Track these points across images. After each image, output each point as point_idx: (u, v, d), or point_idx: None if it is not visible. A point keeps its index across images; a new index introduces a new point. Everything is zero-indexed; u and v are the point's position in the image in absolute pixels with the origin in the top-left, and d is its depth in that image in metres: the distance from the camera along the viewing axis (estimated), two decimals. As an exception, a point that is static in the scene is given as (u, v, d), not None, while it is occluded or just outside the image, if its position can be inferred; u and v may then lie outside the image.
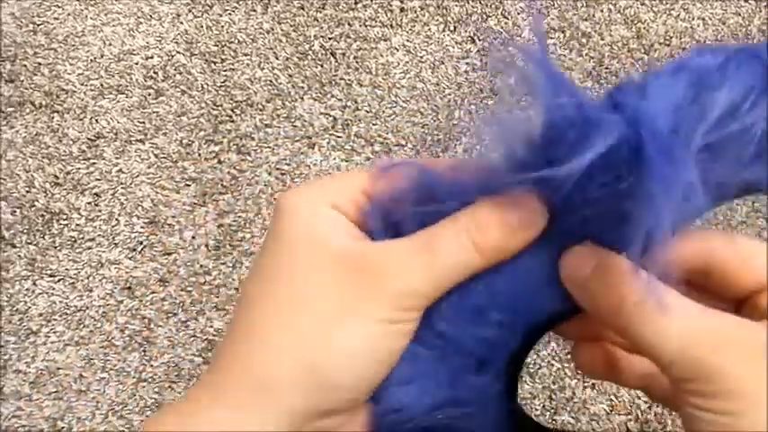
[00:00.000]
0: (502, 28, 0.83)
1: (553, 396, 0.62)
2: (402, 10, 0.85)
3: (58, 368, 0.66)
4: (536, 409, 0.62)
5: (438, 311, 0.24)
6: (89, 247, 0.72)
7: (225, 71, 0.81)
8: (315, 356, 0.22)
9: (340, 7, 0.85)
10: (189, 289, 0.69)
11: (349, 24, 0.84)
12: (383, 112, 0.77)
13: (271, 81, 0.80)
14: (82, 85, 0.81)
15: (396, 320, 0.23)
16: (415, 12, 0.85)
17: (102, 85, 0.81)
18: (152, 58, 0.83)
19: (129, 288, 0.69)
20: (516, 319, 0.24)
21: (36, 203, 0.74)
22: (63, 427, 0.63)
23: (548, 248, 0.24)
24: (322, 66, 0.81)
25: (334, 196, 0.24)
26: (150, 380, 0.65)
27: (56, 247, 0.72)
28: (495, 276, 0.24)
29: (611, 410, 0.61)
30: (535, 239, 0.23)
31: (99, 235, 0.72)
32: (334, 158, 0.74)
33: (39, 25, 0.86)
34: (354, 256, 0.23)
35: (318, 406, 0.22)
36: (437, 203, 0.23)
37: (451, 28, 0.83)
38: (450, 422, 0.25)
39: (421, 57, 0.82)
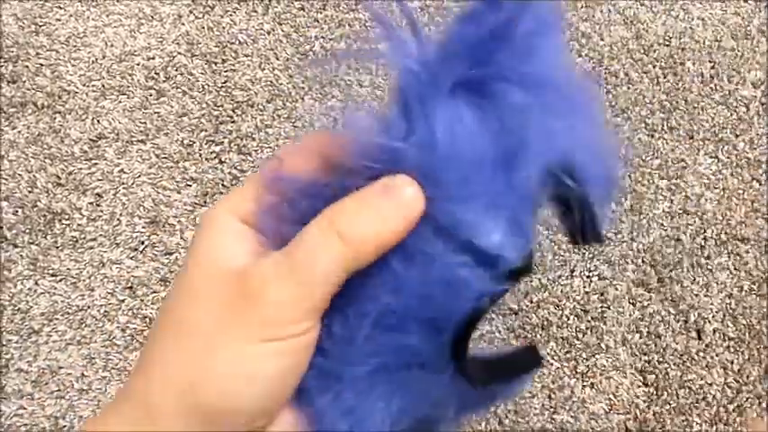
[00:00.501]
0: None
1: (552, 395, 0.63)
2: (402, 11, 0.86)
3: (60, 367, 0.66)
4: (535, 408, 0.63)
5: (360, 338, 0.22)
6: (91, 247, 0.72)
7: (226, 72, 0.81)
8: (194, 381, 0.22)
9: (341, 8, 0.85)
10: (190, 288, 0.69)
11: (349, 25, 0.84)
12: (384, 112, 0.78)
13: (271, 82, 0.80)
14: (84, 85, 0.82)
15: (270, 339, 0.21)
16: (416, 13, 0.85)
17: (103, 85, 0.82)
18: (153, 58, 0.83)
19: (131, 288, 0.70)
20: (437, 318, 0.22)
21: (38, 204, 0.74)
22: (65, 426, 0.64)
23: (439, 234, 0.21)
24: (323, 66, 0.81)
25: (246, 207, 0.24)
26: (151, 379, 0.65)
27: (57, 247, 0.72)
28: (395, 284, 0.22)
29: (609, 409, 0.61)
30: (428, 229, 0.21)
31: (100, 235, 0.73)
32: (335, 159, 0.74)
33: (41, 26, 0.86)
34: (239, 276, 0.22)
35: None
36: (313, 201, 0.22)
37: (451, 29, 0.84)
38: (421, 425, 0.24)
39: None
